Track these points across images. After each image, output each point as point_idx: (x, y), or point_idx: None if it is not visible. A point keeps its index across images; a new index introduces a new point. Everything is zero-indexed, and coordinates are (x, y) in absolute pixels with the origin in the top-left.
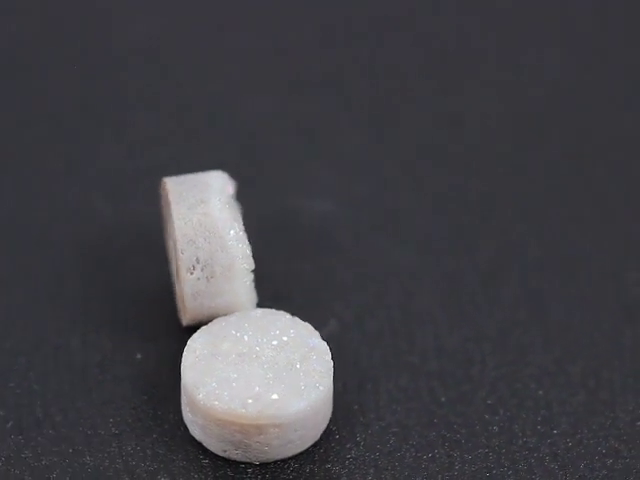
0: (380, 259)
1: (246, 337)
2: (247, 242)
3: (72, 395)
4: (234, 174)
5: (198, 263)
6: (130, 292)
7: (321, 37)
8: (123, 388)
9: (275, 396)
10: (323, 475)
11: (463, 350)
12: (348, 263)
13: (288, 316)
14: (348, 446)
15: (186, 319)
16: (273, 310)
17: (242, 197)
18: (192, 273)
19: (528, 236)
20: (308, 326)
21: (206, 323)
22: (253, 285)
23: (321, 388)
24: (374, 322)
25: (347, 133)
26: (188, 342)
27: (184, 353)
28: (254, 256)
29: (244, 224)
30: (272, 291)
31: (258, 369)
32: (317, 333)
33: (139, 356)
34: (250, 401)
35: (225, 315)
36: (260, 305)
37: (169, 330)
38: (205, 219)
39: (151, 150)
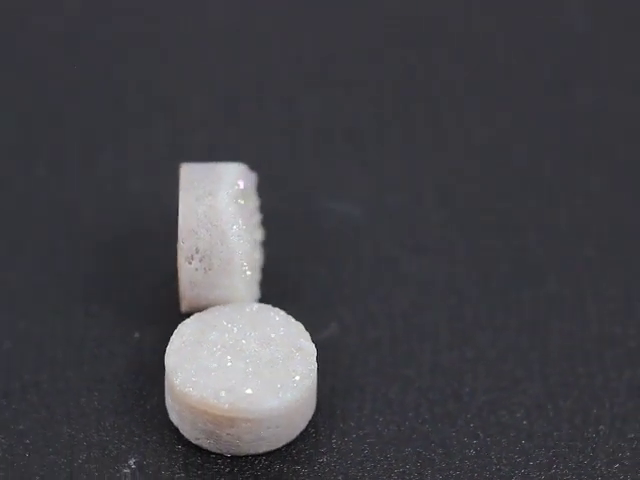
0: (394, 269)
1: (235, 329)
2: (250, 238)
3: (64, 365)
4: (265, 169)
5: (197, 253)
6: (140, 273)
7: (371, 49)
8: (115, 365)
9: (249, 391)
10: (290, 476)
11: (458, 370)
12: (362, 270)
13: (282, 314)
14: (322, 450)
15: (184, 306)
16: (269, 306)
17: (269, 192)
18: (190, 263)
19: (547, 266)
20: (300, 326)
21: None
22: (255, 280)
23: (298, 389)
24: (375, 330)
25: (390, 142)
26: (179, 326)
27: (172, 337)
28: (269, 253)
29: (264, 218)
30: (280, 289)
31: (239, 362)
32: (307, 334)
33: (137, 335)
34: (223, 393)
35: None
36: (264, 301)
37: (170, 314)
38: (210, 211)
39: (184, 137)
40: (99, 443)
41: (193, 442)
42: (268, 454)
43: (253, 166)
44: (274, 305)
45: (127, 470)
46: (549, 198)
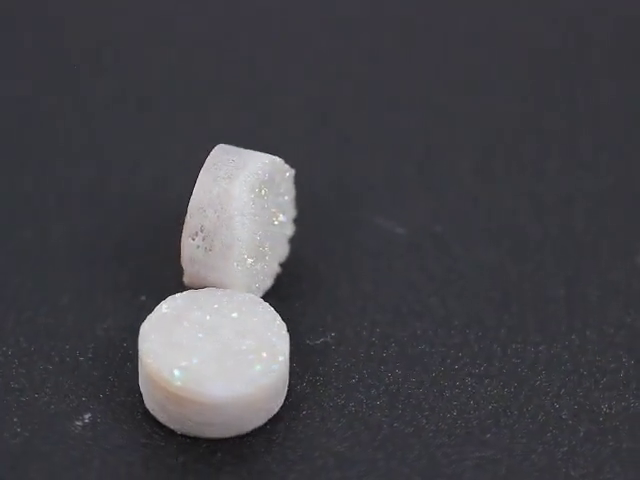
0: (413, 296)
1: (219, 314)
2: (259, 230)
3: (66, 310)
4: (321, 171)
5: (201, 232)
6: (157, 243)
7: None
8: (110, 322)
9: (205, 374)
10: (214, 468)
11: (434, 407)
12: (381, 288)
13: (270, 310)
14: (260, 450)
15: (186, 278)
16: (260, 300)
17: (321, 197)
18: (194, 239)
19: (564, 307)
20: (282, 326)
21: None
22: (261, 272)
23: (253, 385)
24: (370, 350)
25: (453, 170)
26: (168, 298)
27: (158, 305)
28: (296, 250)
29: (303, 215)
30: (292, 287)
31: (208, 345)
32: (286, 336)
33: (143, 298)
34: (177, 371)
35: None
36: (272, 295)
37: (178, 285)
38: (224, 194)
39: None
40: (57, 393)
41: (150, 412)
42: (212, 441)
43: (314, 165)
44: (278, 302)
45: (79, 423)
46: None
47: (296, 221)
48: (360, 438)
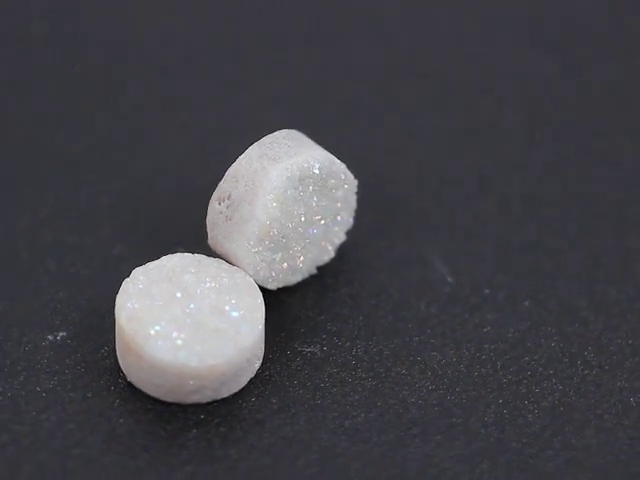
0: (419, 349)
1: (207, 286)
2: (284, 219)
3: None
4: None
5: (228, 199)
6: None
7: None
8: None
9: (174, 336)
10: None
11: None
12: (400, 327)
13: (259, 301)
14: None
15: (209, 239)
16: (256, 287)
17: (385, 216)
18: (219, 204)
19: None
20: (261, 320)
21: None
22: (271, 260)
23: (205, 362)
24: (355, 370)
25: (510, 231)
26: (168, 256)
27: (155, 261)
28: (338, 258)
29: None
30: (312, 291)
31: (180, 310)
32: (260, 330)
33: (181, 249)
34: (144, 333)
35: (230, 264)
36: (287, 290)
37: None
38: (261, 172)
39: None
40: (34, 353)
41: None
42: (178, 406)
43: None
44: (282, 300)
45: (51, 337)
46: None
47: (349, 232)
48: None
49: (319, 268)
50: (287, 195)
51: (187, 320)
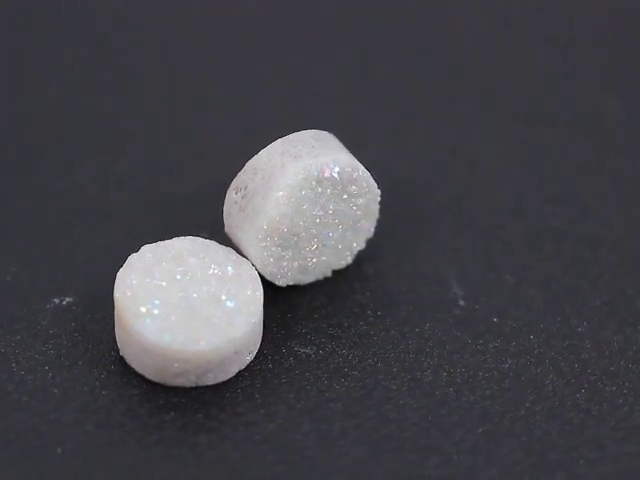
0: (416, 369)
1: (211, 273)
2: (296, 218)
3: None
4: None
5: (244, 190)
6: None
7: None
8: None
9: (164, 317)
10: (154, 417)
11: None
12: (399, 342)
13: (258, 294)
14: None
15: (226, 227)
16: (258, 279)
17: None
18: (236, 194)
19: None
20: (259, 315)
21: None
22: (278, 257)
23: (189, 347)
24: (345, 378)
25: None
26: (177, 238)
27: (164, 241)
28: (356, 264)
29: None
30: (321, 295)
31: (176, 292)
32: (255, 315)
33: (205, 235)
34: (135, 310)
35: (241, 254)
36: (297, 290)
37: (215, 231)
38: (279, 169)
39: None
40: (49, 275)
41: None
42: (168, 390)
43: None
44: (292, 299)
45: (57, 300)
46: None
47: (369, 241)
48: None
49: (335, 272)
50: (302, 195)
51: (181, 303)
